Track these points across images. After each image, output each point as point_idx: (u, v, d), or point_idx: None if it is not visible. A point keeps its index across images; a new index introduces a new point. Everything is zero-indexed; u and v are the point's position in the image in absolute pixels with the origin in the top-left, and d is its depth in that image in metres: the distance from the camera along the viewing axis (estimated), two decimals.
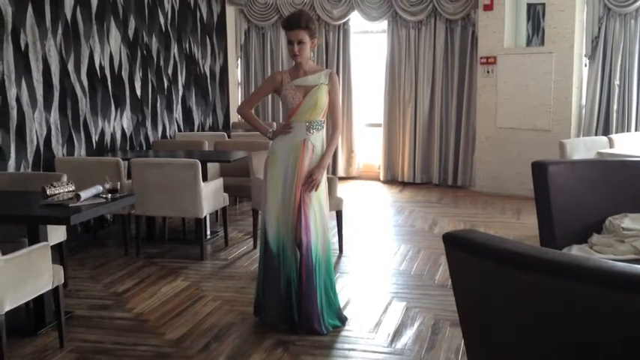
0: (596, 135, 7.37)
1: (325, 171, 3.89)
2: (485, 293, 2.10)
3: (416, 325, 3.97)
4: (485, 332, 2.16)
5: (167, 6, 7.44)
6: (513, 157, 7.80)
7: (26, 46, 5.32)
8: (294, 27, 3.77)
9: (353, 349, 3.65)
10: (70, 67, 5.85)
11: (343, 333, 3.86)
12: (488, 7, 7.87)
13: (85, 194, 3.90)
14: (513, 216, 6.88)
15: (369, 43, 9.29)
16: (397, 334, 3.84)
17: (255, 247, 5.62)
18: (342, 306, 4.12)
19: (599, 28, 7.40)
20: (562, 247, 3.64)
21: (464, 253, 2.16)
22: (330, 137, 3.92)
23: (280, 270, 3.86)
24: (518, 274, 1.92)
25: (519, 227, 6.30)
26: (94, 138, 6.21)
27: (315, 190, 3.80)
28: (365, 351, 3.62)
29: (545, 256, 1.90)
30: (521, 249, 1.96)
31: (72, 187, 4.09)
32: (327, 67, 8.90)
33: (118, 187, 4.11)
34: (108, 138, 6.42)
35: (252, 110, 4.13)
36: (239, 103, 9.34)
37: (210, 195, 5.39)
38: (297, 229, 3.80)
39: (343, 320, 3.99)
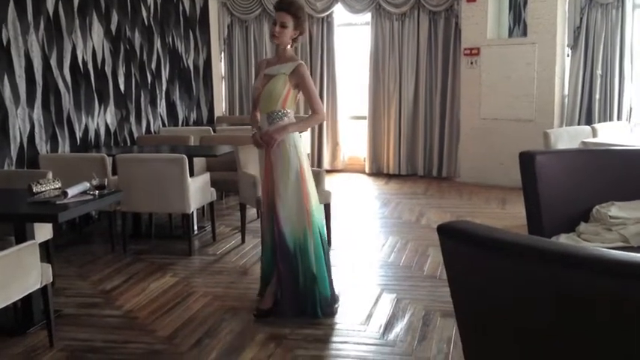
0: (578, 124, 7.44)
1: (286, 139, 3.82)
2: (481, 283, 2.12)
3: (407, 316, 3.99)
4: (481, 322, 2.18)
5: (149, 0, 7.37)
6: (497, 147, 7.85)
7: (8, 41, 5.25)
8: (280, 8, 3.81)
9: (345, 342, 3.65)
10: (53, 62, 5.78)
11: (335, 326, 3.87)
12: None
13: (72, 191, 3.85)
14: (499, 206, 6.93)
15: (352, 36, 9.28)
16: (388, 325, 3.86)
17: (243, 241, 5.61)
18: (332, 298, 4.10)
19: (581, 19, 7.46)
20: (550, 236, 3.67)
21: (459, 244, 2.17)
22: (307, 117, 4.03)
23: (262, 257, 4.01)
24: (514, 264, 1.93)
25: (505, 217, 6.35)
26: (78, 134, 6.15)
27: (269, 145, 3.78)
28: (357, 343, 3.63)
29: (541, 245, 1.92)
30: (516, 239, 1.97)
31: (58, 185, 4.03)
32: (310, 60, 8.90)
33: (105, 183, 4.07)
34: (92, 134, 6.36)
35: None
36: (224, 95, 9.34)
37: (198, 190, 5.36)
38: (274, 217, 3.88)
39: (328, 312, 3.94)
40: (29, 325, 3.84)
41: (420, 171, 8.74)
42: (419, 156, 8.72)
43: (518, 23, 8.13)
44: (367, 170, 9.06)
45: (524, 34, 7.86)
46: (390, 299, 4.27)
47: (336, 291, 4.16)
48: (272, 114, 3.83)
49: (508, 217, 6.35)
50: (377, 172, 9.00)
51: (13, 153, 5.34)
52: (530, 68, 7.60)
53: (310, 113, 4.00)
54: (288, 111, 3.86)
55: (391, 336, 3.71)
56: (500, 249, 1.98)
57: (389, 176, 8.85)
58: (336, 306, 4.06)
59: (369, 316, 4.00)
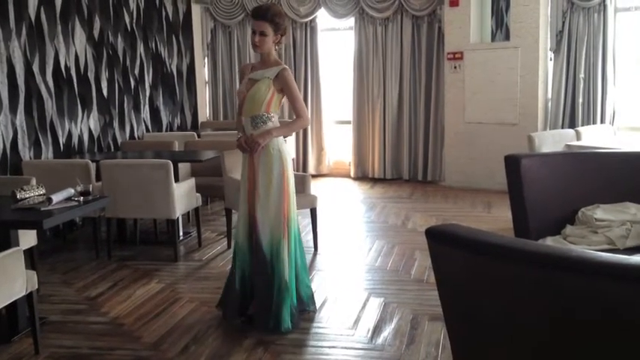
0: (562, 128, 7.50)
1: (270, 143, 3.80)
2: (469, 286, 2.12)
3: (395, 320, 3.98)
4: (470, 325, 2.18)
5: (132, 5, 7.34)
6: (482, 151, 7.90)
7: None
8: (258, 17, 3.78)
9: (333, 347, 3.64)
10: (35, 68, 5.73)
11: (323, 331, 3.85)
12: (454, 3, 7.95)
13: (56, 197, 3.81)
14: (484, 210, 6.96)
15: (336, 41, 9.30)
16: (377, 330, 3.85)
17: (229, 247, 5.58)
18: (319, 303, 4.10)
19: (564, 22, 7.53)
20: (536, 238, 3.69)
21: (447, 247, 2.18)
22: (292, 121, 4.09)
23: (235, 266, 3.94)
24: (501, 267, 1.94)
25: (491, 220, 6.38)
26: (61, 140, 6.09)
27: (254, 150, 3.76)
28: (345, 348, 3.63)
29: (529, 247, 1.93)
30: (504, 241, 1.98)
31: (42, 191, 4.00)
32: (294, 65, 8.90)
33: (90, 189, 4.03)
34: (75, 140, 6.30)
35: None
36: (207, 100, 9.31)
37: (183, 195, 5.33)
38: (252, 224, 3.87)
39: (294, 324, 3.83)
40: (14, 333, 3.80)
41: (405, 175, 8.76)
42: (404, 160, 8.74)
43: (500, 27, 8.20)
44: (352, 175, 9.07)
45: (507, 38, 7.92)
46: (378, 303, 4.27)
47: (314, 296, 4.14)
48: (256, 118, 3.82)
49: (494, 220, 6.39)
50: (362, 177, 9.02)
51: None
52: (514, 72, 7.66)
53: (294, 118, 3.99)
54: (272, 115, 3.85)
55: (379, 340, 3.71)
56: (487, 252, 1.99)
57: (374, 180, 8.86)
58: (310, 310, 4.03)
59: (357, 321, 3.99)
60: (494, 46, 7.99)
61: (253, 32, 3.79)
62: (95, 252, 5.45)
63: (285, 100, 3.96)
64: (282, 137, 3.91)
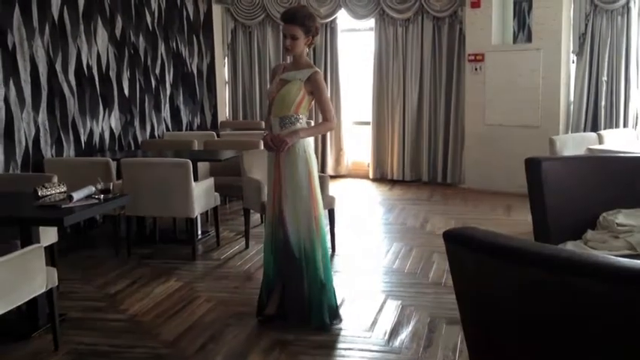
0: (584, 131, 7.42)
1: (297, 142, 3.80)
2: (487, 290, 2.10)
3: (412, 323, 3.96)
4: (487, 329, 2.17)
5: (154, 5, 7.39)
6: (502, 153, 7.82)
7: (13, 46, 5.26)
8: (288, 21, 3.77)
9: (350, 349, 3.64)
10: (58, 67, 5.79)
11: (340, 332, 3.84)
12: (476, 5, 7.90)
13: (77, 195, 3.85)
14: (504, 213, 6.91)
15: (356, 41, 9.29)
16: (394, 332, 3.84)
17: (247, 246, 5.60)
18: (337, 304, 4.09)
19: (586, 25, 7.45)
20: (556, 243, 3.65)
21: (465, 251, 2.16)
22: (319, 124, 4.08)
23: (265, 262, 3.99)
24: (520, 271, 1.92)
25: (511, 224, 6.32)
26: (83, 138, 6.15)
27: (281, 149, 3.75)
28: (362, 350, 3.62)
29: (548, 252, 1.91)
30: (523, 245, 1.96)
31: (64, 188, 4.04)
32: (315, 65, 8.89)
33: (111, 187, 4.06)
34: (97, 138, 6.36)
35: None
36: (227, 100, 9.35)
37: (202, 195, 5.36)
38: (279, 222, 3.87)
39: (333, 321, 3.89)
40: (34, 329, 3.83)
41: (424, 177, 8.72)
42: (423, 162, 8.70)
43: (522, 29, 8.13)
44: (371, 176, 9.05)
45: (529, 40, 7.85)
46: (395, 306, 4.25)
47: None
48: (284, 118, 3.82)
49: (514, 223, 6.33)
50: (381, 178, 8.99)
51: (19, 157, 5.35)
52: (535, 74, 7.59)
53: (321, 120, 3.99)
54: (301, 116, 3.85)
55: (396, 343, 3.69)
56: (506, 255, 1.97)
57: (393, 182, 8.83)
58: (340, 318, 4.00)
59: (374, 323, 3.98)
60: (515, 47, 7.92)
61: (284, 36, 3.79)
62: (115, 250, 5.49)
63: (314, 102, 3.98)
64: (309, 139, 3.90)
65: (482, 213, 6.96)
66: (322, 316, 3.85)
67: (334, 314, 3.92)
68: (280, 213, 3.85)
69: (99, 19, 6.37)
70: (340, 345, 3.69)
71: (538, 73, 7.58)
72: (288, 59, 4.08)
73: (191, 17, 8.27)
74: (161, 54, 7.55)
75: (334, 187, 8.33)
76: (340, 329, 3.88)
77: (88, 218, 6.08)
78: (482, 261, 2.07)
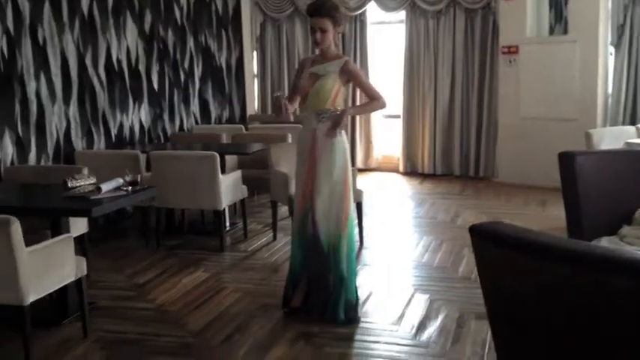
0: (623, 125, 7.23)
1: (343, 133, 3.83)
2: (514, 285, 2.05)
3: (440, 317, 3.91)
4: (513, 324, 2.12)
5: (182, 0, 7.41)
6: (537, 147, 7.65)
7: (44, 40, 5.32)
8: (315, 14, 3.73)
9: (377, 342, 3.60)
10: (88, 61, 5.85)
11: (367, 325, 3.81)
12: None
13: (105, 187, 3.88)
14: (538, 207, 6.78)
15: (386, 34, 9.20)
16: (421, 326, 3.79)
17: (275, 238, 5.59)
18: (361, 301, 4.05)
19: (625, 16, 7.26)
20: (591, 238, 3.56)
21: (492, 246, 2.11)
22: (367, 102, 4.02)
23: (292, 255, 3.99)
24: (547, 266, 1.86)
25: (545, 219, 6.19)
26: (113, 131, 6.21)
27: (332, 136, 3.74)
28: (389, 343, 3.58)
29: (577, 247, 1.84)
30: (551, 241, 1.90)
31: (93, 180, 4.06)
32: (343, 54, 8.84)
33: (139, 179, 4.09)
34: (126, 131, 6.42)
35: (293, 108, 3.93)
36: (256, 93, 9.36)
37: (229, 187, 5.36)
38: (310, 217, 3.83)
39: (353, 319, 3.83)
40: (64, 317, 3.88)
41: (455, 171, 8.61)
42: (455, 155, 8.59)
43: (559, 21, 7.95)
44: (401, 169, 8.97)
45: (565, 32, 7.68)
46: (424, 300, 4.20)
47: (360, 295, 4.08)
48: (322, 112, 3.79)
49: (548, 218, 6.19)
50: (411, 172, 8.90)
51: (50, 149, 5.42)
52: (572, 67, 7.42)
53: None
54: (338, 109, 3.83)
55: (424, 337, 3.64)
56: (535, 251, 1.91)
57: (423, 176, 8.74)
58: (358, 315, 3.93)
59: (402, 316, 3.93)
60: (551, 40, 7.76)
61: (313, 30, 3.75)
62: (145, 240, 5.53)
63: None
64: (344, 135, 3.88)
65: (516, 207, 6.84)
66: (338, 311, 3.79)
67: (353, 310, 3.86)
68: (312, 209, 3.80)
69: (128, 13, 6.41)
70: (366, 338, 3.66)
71: (575, 66, 7.41)
72: (316, 52, 4.05)
73: (220, 11, 8.29)
74: (190, 48, 7.58)
75: (364, 181, 8.31)
76: (367, 322, 3.84)
77: (118, 210, 6.14)
78: (509, 257, 2.02)
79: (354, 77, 3.85)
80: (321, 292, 3.86)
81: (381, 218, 6.47)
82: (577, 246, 1.87)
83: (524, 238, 2.00)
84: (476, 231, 2.17)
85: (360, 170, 8.99)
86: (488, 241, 2.15)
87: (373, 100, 3.92)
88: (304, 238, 3.89)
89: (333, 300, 3.81)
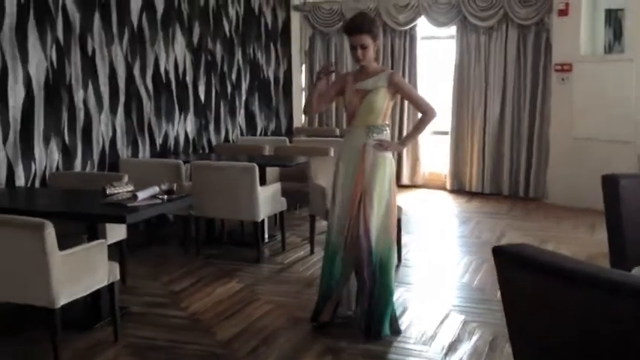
0: None
1: (398, 151, 3.94)
2: (534, 309, 1.99)
3: (473, 339, 3.80)
4: (537, 350, 2.04)
5: (232, 12, 7.53)
6: (590, 169, 7.36)
7: (93, 50, 5.48)
8: (356, 32, 3.75)
9: None
10: (136, 71, 5.99)
11: (396, 343, 3.74)
12: (564, 13, 7.57)
13: (142, 194, 3.94)
14: (587, 232, 6.53)
15: (436, 49, 9.12)
16: (452, 347, 3.69)
17: (312, 252, 5.57)
18: (397, 315, 4.00)
19: None
20: (633, 266, 3.40)
21: (516, 269, 2.05)
22: (418, 121, 4.03)
23: (325, 269, 3.94)
24: (567, 291, 1.80)
25: (592, 244, 5.96)
26: (158, 141, 6.33)
27: (382, 149, 3.79)
28: None
29: (597, 274, 1.77)
30: (573, 266, 1.84)
31: (131, 187, 4.13)
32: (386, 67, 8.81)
33: (174, 188, 4.14)
34: (171, 141, 6.53)
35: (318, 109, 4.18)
36: (303, 106, 9.39)
37: (268, 199, 5.38)
38: (352, 234, 3.80)
39: (397, 331, 3.87)
40: (97, 321, 3.94)
41: (504, 190, 8.40)
42: (504, 174, 8.40)
43: (617, 39, 7.71)
44: (448, 187, 8.83)
45: (622, 50, 7.42)
46: (459, 320, 4.10)
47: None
48: (372, 127, 3.81)
49: (595, 244, 5.95)
50: (458, 190, 8.75)
51: (96, 156, 5.56)
52: (628, 87, 7.14)
53: (419, 116, 4.00)
54: (387, 123, 3.90)
55: (454, 358, 3.55)
56: (556, 275, 1.85)
57: (471, 194, 8.57)
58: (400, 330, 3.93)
59: (433, 337, 3.84)
60: (606, 58, 7.53)
61: (353, 47, 3.77)
62: (184, 249, 5.60)
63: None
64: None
65: (563, 230, 6.63)
66: (384, 325, 3.78)
67: (396, 322, 3.89)
68: (365, 222, 3.76)
69: (177, 25, 6.55)
70: (393, 356, 3.59)
71: (631, 86, 7.14)
72: (354, 66, 4.07)
73: (269, 25, 8.39)
74: (238, 61, 7.68)
75: (409, 197, 8.24)
76: (396, 340, 3.77)
77: (160, 217, 6.26)
78: (532, 279, 1.96)
79: (401, 89, 3.87)
80: (370, 307, 3.80)
81: (424, 235, 6.38)
82: (597, 272, 1.79)
83: (547, 261, 1.95)
84: (499, 252, 2.11)
85: (406, 187, 8.92)
86: (511, 263, 2.10)
87: (424, 115, 3.91)
88: (346, 251, 3.84)
89: (379, 314, 3.78)
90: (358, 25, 3.74)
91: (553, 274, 1.87)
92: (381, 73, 3.83)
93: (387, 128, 3.91)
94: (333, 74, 4.10)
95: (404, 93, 3.92)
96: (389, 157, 3.86)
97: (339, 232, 3.87)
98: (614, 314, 1.66)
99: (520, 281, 2.06)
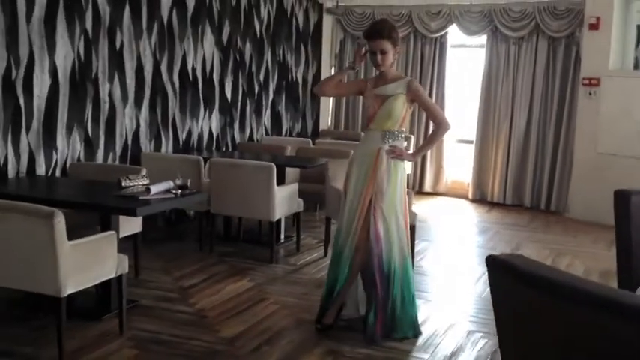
0: None
1: (410, 163, 3.98)
2: (525, 321, 1.99)
3: (475, 349, 3.80)
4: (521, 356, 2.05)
5: (263, 13, 7.59)
6: (613, 185, 7.11)
7: (121, 44, 5.57)
8: (376, 37, 3.80)
9: None
10: (163, 67, 6.08)
11: (398, 349, 3.75)
12: (594, 27, 7.47)
13: (155, 188, 4.01)
14: (605, 247, 6.44)
15: (465, 58, 9.06)
16: (453, 356, 3.70)
17: (325, 254, 5.59)
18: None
19: None
20: (637, 285, 3.35)
21: (505, 278, 2.05)
22: (432, 133, 4.12)
23: (330, 270, 3.99)
24: (560, 305, 1.79)
25: (607, 259, 5.85)
26: (182, 136, 6.42)
27: (397, 157, 3.85)
28: None
29: (589, 289, 1.76)
30: (564, 280, 1.83)
31: (146, 181, 4.20)
32: (420, 80, 8.79)
33: (188, 183, 4.20)
34: (195, 137, 6.62)
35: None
36: (331, 109, 9.43)
37: (284, 199, 5.42)
38: (361, 237, 3.84)
39: (416, 333, 3.92)
40: (105, 312, 4.02)
41: (526, 202, 8.32)
42: (526, 186, 8.31)
43: None
44: (470, 196, 8.77)
45: None
46: (464, 329, 4.10)
47: None
48: (388, 133, 3.86)
49: (611, 259, 5.78)
50: (480, 199, 8.68)
51: (118, 149, 5.66)
52: None
53: (433, 127, 4.07)
54: (404, 129, 3.95)
55: None
56: (545, 289, 1.84)
57: (492, 204, 8.50)
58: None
59: (436, 344, 3.85)
60: (635, 74, 7.41)
61: (373, 53, 3.82)
62: (199, 245, 5.67)
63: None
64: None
65: (581, 245, 6.55)
66: (407, 329, 3.87)
67: (417, 323, 3.97)
68: (375, 226, 3.81)
69: (207, 23, 6.63)
70: None
71: None
72: (375, 74, 4.12)
73: (300, 26, 8.43)
74: (266, 61, 7.74)
75: (431, 205, 8.22)
76: (399, 347, 3.79)
77: (178, 213, 6.35)
78: (521, 291, 1.96)
79: (418, 97, 3.90)
80: (381, 314, 3.83)
81: (441, 243, 6.37)
82: (587, 287, 1.79)
83: (536, 274, 1.94)
84: (490, 261, 2.12)
85: (429, 194, 8.89)
86: (502, 273, 2.10)
87: (438, 127, 3.95)
88: (352, 253, 3.89)
89: (399, 318, 3.85)
90: (379, 31, 3.79)
91: (542, 286, 1.87)
92: (401, 80, 3.88)
93: (404, 133, 3.95)
94: (351, 71, 4.24)
95: (421, 101, 3.94)
96: (401, 165, 3.90)
97: (347, 233, 3.91)
98: (606, 332, 1.65)
99: (510, 292, 2.06)
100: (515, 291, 2.00)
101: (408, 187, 7.19)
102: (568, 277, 1.85)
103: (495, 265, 2.10)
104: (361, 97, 4.14)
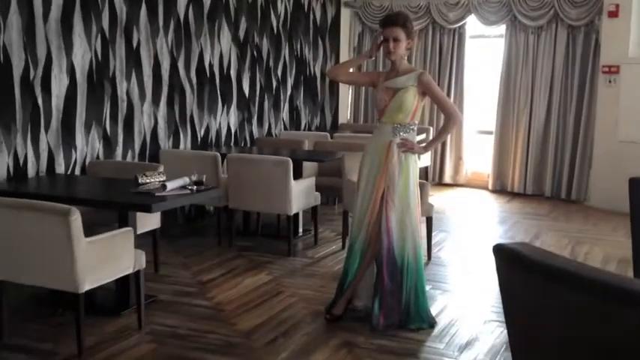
0: None
1: (426, 155, 3.98)
2: (532, 310, 1.99)
3: (491, 339, 3.81)
4: (531, 349, 2.05)
5: (280, 7, 7.61)
6: (634, 173, 7.04)
7: (138, 42, 5.64)
8: (389, 24, 3.83)
9: (418, 357, 3.56)
10: (180, 64, 6.14)
11: (412, 339, 3.78)
12: (614, 14, 7.39)
13: (171, 185, 4.07)
14: (625, 235, 6.36)
15: (484, 48, 9.00)
16: (469, 345, 3.72)
17: (343, 247, 5.62)
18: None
19: None
20: None
21: (511, 267, 2.06)
22: (442, 126, 4.09)
23: (345, 261, 4.06)
24: (565, 294, 1.79)
25: (627, 247, 5.74)
26: (200, 133, 6.48)
27: (407, 151, 3.86)
28: None
29: (596, 277, 1.76)
30: (571, 267, 1.83)
31: (162, 177, 4.28)
32: (439, 71, 8.76)
33: (204, 179, 4.25)
34: (213, 133, 6.68)
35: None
36: (349, 102, 9.43)
37: (301, 193, 5.45)
38: (374, 230, 3.89)
39: (432, 324, 3.96)
40: (124, 307, 4.10)
41: (546, 192, 8.27)
42: (547, 176, 8.26)
43: None
44: (490, 187, 8.73)
45: None
46: (480, 319, 4.11)
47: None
48: (400, 126, 3.88)
49: (629, 247, 5.82)
50: (500, 190, 8.65)
51: (137, 146, 5.74)
52: None
53: (444, 120, 4.05)
54: (416, 122, 3.94)
55: (469, 356, 3.57)
56: (551, 276, 1.85)
57: (513, 194, 8.46)
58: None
59: (451, 334, 3.87)
60: None
61: (386, 40, 3.84)
62: (218, 240, 5.73)
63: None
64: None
65: (601, 233, 6.51)
66: (422, 320, 3.92)
67: (430, 314, 4.01)
68: (387, 219, 3.85)
69: (223, 19, 6.67)
70: (408, 352, 3.61)
71: None
72: (387, 65, 4.13)
73: (318, 21, 8.44)
74: (284, 56, 7.77)
75: (451, 196, 8.21)
76: (414, 337, 3.81)
77: (199, 208, 6.42)
78: (528, 279, 1.96)
79: (429, 89, 3.89)
80: (392, 306, 3.88)
81: (459, 234, 6.38)
82: (594, 275, 1.79)
83: (541, 261, 1.94)
84: (497, 250, 2.12)
85: (449, 185, 8.88)
86: (509, 262, 2.11)
87: (448, 120, 3.95)
88: (364, 244, 3.94)
89: (414, 310, 3.90)
90: (393, 18, 3.85)
91: (547, 274, 1.87)
92: (412, 73, 3.88)
93: (415, 126, 3.96)
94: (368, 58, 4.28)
95: (432, 94, 3.93)
96: (413, 157, 3.92)
97: (359, 227, 3.96)
98: (612, 320, 1.66)
99: (516, 280, 2.06)
100: (522, 279, 2.01)
101: (427, 179, 7.24)
102: (574, 264, 1.86)
103: (502, 254, 2.11)
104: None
